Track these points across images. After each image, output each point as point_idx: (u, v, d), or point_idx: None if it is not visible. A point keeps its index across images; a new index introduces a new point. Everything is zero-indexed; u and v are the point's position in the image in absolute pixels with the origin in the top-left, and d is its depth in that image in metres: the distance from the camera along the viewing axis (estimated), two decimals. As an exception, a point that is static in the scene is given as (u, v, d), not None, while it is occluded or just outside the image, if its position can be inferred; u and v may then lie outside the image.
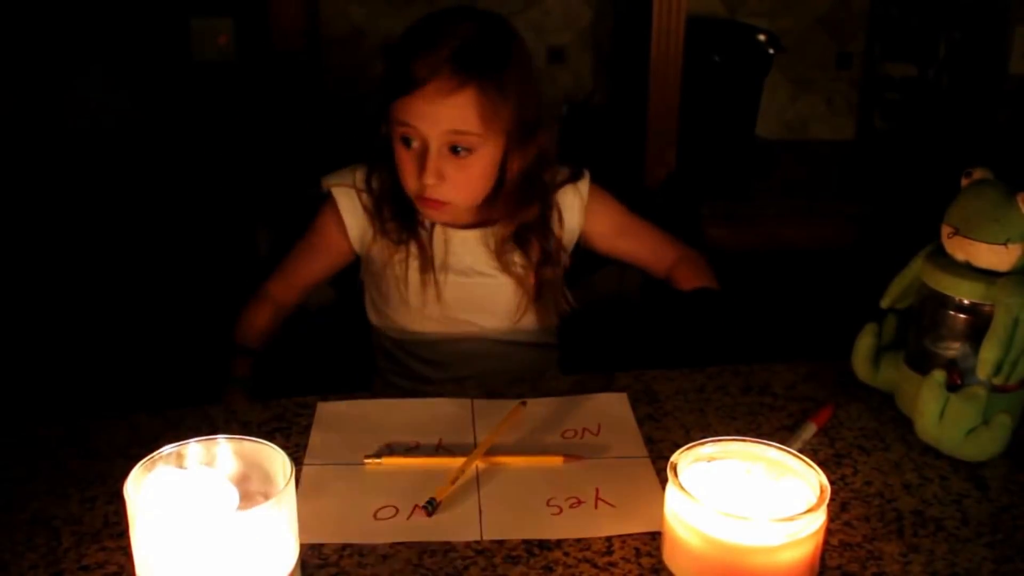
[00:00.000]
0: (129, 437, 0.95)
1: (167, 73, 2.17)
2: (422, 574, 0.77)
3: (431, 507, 0.84)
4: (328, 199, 1.36)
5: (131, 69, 2.16)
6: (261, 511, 0.67)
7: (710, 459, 0.78)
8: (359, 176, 1.35)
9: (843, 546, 0.80)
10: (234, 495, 0.71)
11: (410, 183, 1.25)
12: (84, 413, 0.99)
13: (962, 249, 0.92)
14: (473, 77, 1.18)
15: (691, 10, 2.11)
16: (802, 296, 2.04)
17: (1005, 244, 0.90)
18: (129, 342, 2.01)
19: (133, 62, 2.15)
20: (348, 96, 2.18)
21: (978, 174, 0.94)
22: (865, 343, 1.04)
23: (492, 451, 0.92)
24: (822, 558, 0.77)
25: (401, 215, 1.31)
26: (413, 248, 1.32)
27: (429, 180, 1.21)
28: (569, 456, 0.92)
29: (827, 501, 0.72)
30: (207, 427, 0.96)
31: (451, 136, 1.20)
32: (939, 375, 0.92)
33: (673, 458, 0.76)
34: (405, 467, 0.91)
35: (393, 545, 0.80)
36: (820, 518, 0.72)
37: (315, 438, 0.95)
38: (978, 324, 0.91)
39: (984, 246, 0.90)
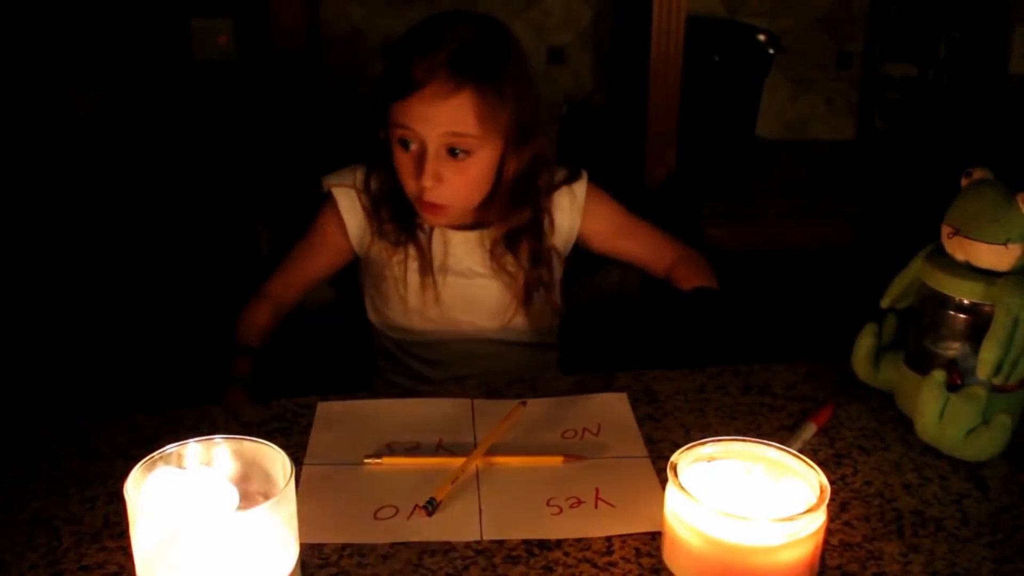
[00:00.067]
0: (129, 437, 0.95)
1: (167, 73, 2.17)
2: (422, 574, 0.77)
3: (431, 507, 0.84)
4: (328, 199, 1.36)
5: (131, 69, 2.16)
6: (261, 511, 0.67)
7: (710, 459, 0.78)
8: (359, 176, 1.35)
9: (843, 546, 0.80)
10: (234, 495, 0.70)
11: (409, 185, 1.25)
12: (84, 413, 0.99)
13: (962, 249, 0.92)
14: (470, 80, 1.19)
15: (691, 10, 2.11)
16: (802, 296, 2.04)
17: (1005, 244, 0.90)
18: (129, 342, 2.02)
19: (133, 62, 2.16)
20: (348, 96, 2.18)
21: (978, 174, 0.94)
22: (865, 343, 1.04)
23: (492, 451, 0.92)
24: (822, 558, 0.77)
25: (400, 217, 1.32)
26: (412, 250, 1.33)
27: (427, 182, 1.21)
28: (569, 456, 0.92)
29: (827, 501, 0.72)
30: (207, 427, 0.96)
31: (449, 138, 1.21)
32: (939, 375, 0.92)
33: (673, 458, 0.76)
34: (405, 467, 0.91)
35: (393, 545, 0.80)
36: (820, 518, 0.72)
37: (315, 438, 0.95)
38: (978, 324, 0.91)
39: (984, 246, 0.90)
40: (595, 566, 0.77)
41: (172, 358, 1.87)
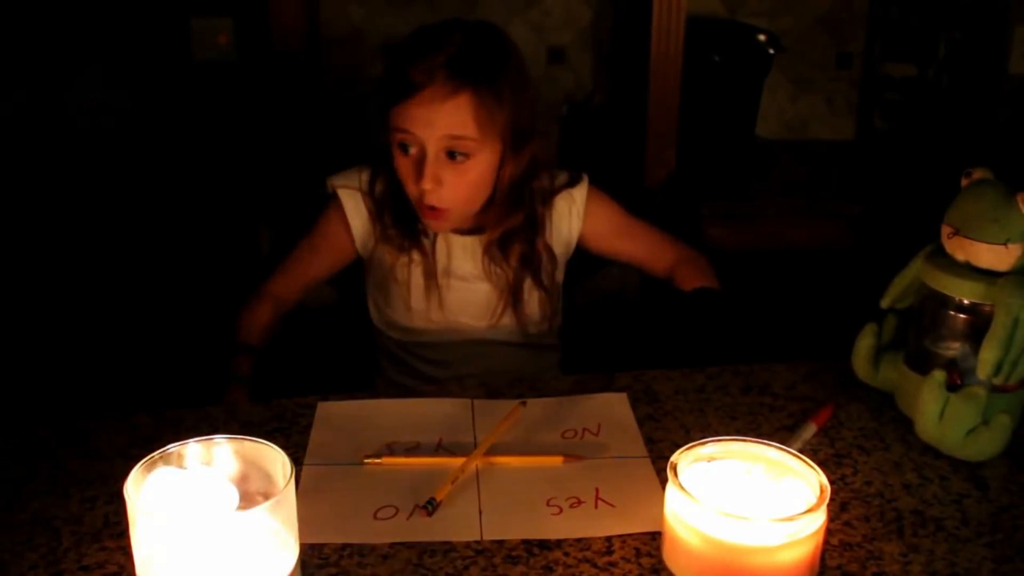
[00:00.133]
0: (129, 437, 0.95)
1: (167, 73, 2.17)
2: (422, 574, 0.77)
3: (431, 507, 0.84)
4: (333, 200, 1.37)
5: (131, 69, 2.16)
6: (261, 511, 0.67)
7: (710, 459, 0.78)
8: (364, 179, 1.35)
9: (843, 546, 0.80)
10: (234, 495, 0.70)
11: (410, 188, 1.26)
12: (84, 413, 0.99)
13: (962, 249, 0.92)
14: (468, 83, 1.19)
15: (691, 10, 2.11)
16: (802, 296, 2.04)
17: (1005, 244, 0.90)
18: (129, 342, 2.02)
19: (133, 62, 2.16)
20: (348, 96, 2.18)
21: (978, 174, 0.94)
22: (865, 343, 1.04)
23: (492, 451, 0.92)
24: (822, 558, 0.77)
25: (403, 222, 1.32)
26: (416, 255, 1.33)
27: (427, 185, 1.22)
28: (569, 456, 0.92)
29: (827, 501, 0.72)
30: (207, 427, 0.96)
31: (448, 141, 1.21)
32: (939, 375, 0.92)
33: (673, 458, 0.76)
34: (405, 467, 0.91)
35: (393, 545, 0.80)
36: (820, 518, 0.72)
37: (315, 438, 0.95)
38: (978, 324, 0.91)
39: (984, 246, 0.90)
40: (595, 566, 0.77)
41: (172, 358, 1.87)
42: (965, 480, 0.90)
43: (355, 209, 1.35)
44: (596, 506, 0.85)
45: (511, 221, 1.31)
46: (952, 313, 0.93)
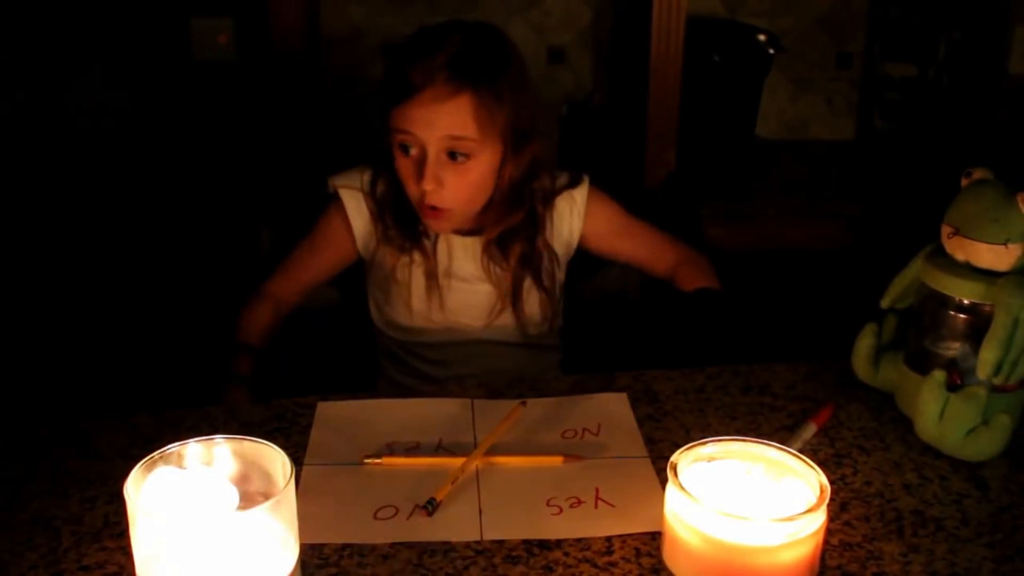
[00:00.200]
0: (129, 437, 0.95)
1: (167, 73, 2.17)
2: (422, 574, 0.77)
3: (431, 507, 0.84)
4: (335, 200, 1.37)
5: (131, 69, 2.16)
6: (261, 511, 0.67)
7: (710, 459, 0.78)
8: (366, 179, 1.35)
9: (843, 546, 0.80)
10: (234, 495, 0.70)
11: (411, 189, 1.26)
12: (84, 413, 0.99)
13: (962, 249, 0.92)
14: (468, 83, 1.20)
15: (691, 10, 2.11)
16: (802, 296, 2.04)
17: (1005, 244, 0.90)
18: (129, 342, 2.02)
19: (133, 62, 2.16)
20: (348, 96, 2.18)
21: (978, 174, 0.94)
22: (865, 343, 1.04)
23: (492, 451, 0.92)
24: (822, 558, 0.77)
25: (404, 223, 1.32)
26: (417, 256, 1.33)
27: (428, 186, 1.22)
28: (569, 456, 0.92)
29: (827, 501, 0.72)
30: (207, 427, 0.96)
31: (448, 142, 1.21)
32: (939, 375, 0.92)
33: (673, 458, 0.76)
34: (405, 467, 0.91)
35: (393, 545, 0.80)
36: (820, 518, 0.72)
37: (315, 438, 0.95)
38: (978, 324, 0.91)
39: (984, 246, 0.90)
40: (595, 566, 0.77)
41: (172, 358, 1.87)
42: (965, 480, 0.90)
43: (357, 209, 1.35)
44: (596, 506, 0.85)
45: (511, 221, 1.31)
46: (952, 313, 0.93)
